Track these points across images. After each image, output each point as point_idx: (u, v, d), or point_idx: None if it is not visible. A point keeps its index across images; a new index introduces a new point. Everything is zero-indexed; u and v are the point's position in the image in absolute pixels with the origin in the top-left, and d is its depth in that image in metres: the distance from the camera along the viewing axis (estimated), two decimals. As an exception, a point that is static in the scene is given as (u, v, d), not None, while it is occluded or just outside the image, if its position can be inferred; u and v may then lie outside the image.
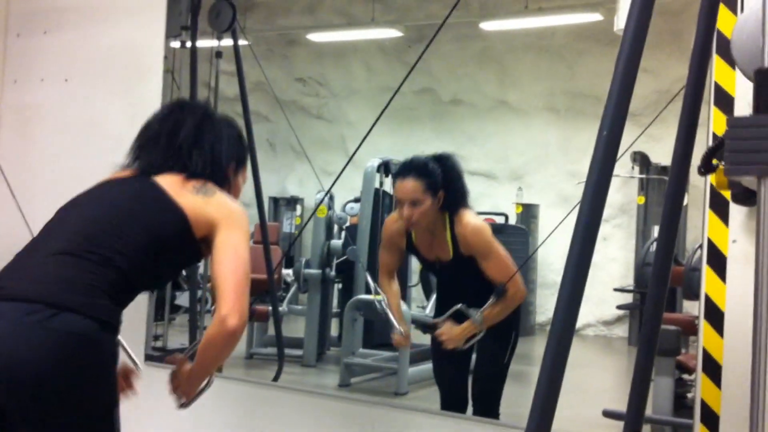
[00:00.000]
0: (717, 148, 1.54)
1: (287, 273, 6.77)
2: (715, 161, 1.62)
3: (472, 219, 3.06)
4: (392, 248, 3.25)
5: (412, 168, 3.03)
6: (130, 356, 2.16)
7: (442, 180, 3.02)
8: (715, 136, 2.25)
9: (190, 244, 1.93)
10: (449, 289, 3.20)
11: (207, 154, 2.03)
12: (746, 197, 2.17)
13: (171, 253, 1.94)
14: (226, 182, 2.07)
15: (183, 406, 2.04)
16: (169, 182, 1.96)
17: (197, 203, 1.93)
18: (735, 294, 2.27)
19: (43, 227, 1.93)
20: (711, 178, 2.29)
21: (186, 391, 2.01)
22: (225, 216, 1.93)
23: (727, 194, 2.23)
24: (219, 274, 1.87)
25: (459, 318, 3.07)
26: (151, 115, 2.12)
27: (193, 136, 2.03)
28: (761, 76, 1.24)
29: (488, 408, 3.09)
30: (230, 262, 1.88)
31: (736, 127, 1.23)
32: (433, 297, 5.52)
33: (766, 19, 1.24)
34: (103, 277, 1.79)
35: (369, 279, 3.59)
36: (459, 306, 3.04)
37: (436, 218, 3.04)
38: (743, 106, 2.21)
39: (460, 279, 3.12)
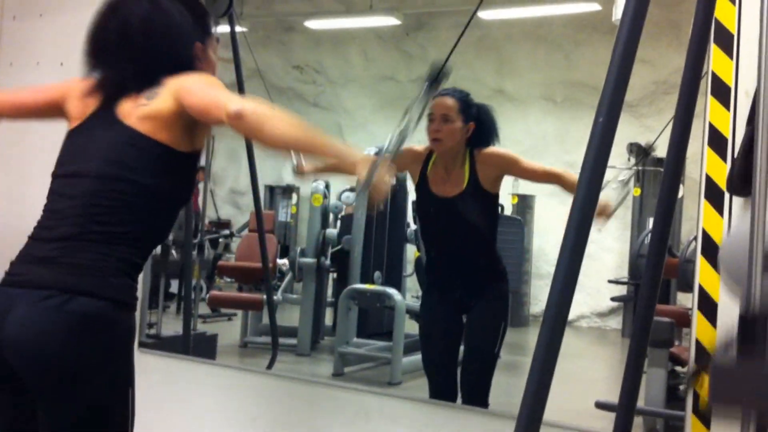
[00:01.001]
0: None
1: (283, 263, 6.78)
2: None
3: (492, 148, 3.17)
4: (400, 160, 3.08)
5: (455, 91, 3.14)
6: None
7: (477, 115, 3.13)
8: (713, 74, 2.24)
9: (180, 162, 1.88)
10: (445, 248, 3.18)
11: (165, 53, 1.91)
12: (741, 187, 2.16)
13: (170, 186, 1.89)
14: (196, 65, 1.95)
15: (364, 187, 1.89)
16: (131, 108, 1.86)
17: (156, 110, 1.83)
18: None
19: (44, 209, 1.92)
20: (706, 168, 2.28)
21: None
22: (179, 83, 1.84)
23: (722, 185, 2.23)
24: (200, 100, 1.79)
25: (460, 301, 3.08)
26: (94, 16, 1.97)
27: (144, 39, 1.90)
28: (743, 323, 1.24)
29: (477, 397, 3.09)
30: (201, 84, 1.82)
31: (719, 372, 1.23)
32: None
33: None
34: (113, 255, 1.79)
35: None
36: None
37: (458, 148, 3.10)
38: (741, 97, 2.20)
39: (461, 225, 3.12)
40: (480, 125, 3.13)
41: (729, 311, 2.26)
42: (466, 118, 3.10)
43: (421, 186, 3.20)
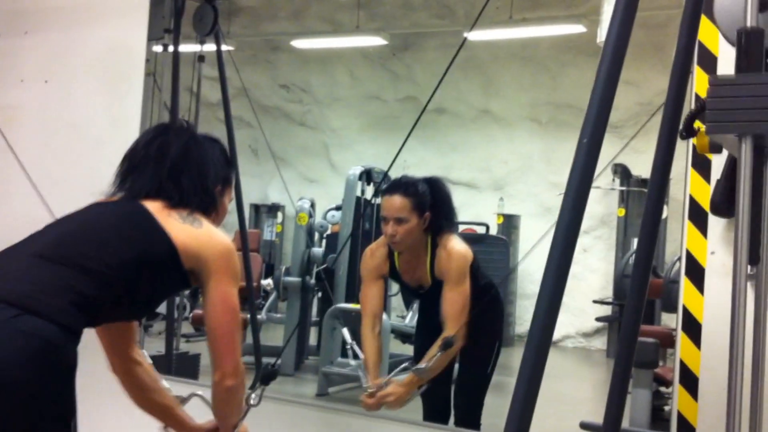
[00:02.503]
0: (699, 111, 1.53)
1: (267, 282, 6.74)
2: (697, 124, 1.61)
3: (457, 243, 3.00)
4: (376, 279, 3.12)
5: (400, 186, 3.01)
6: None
7: (430, 201, 2.99)
8: (697, 97, 2.25)
9: (177, 271, 1.93)
10: (431, 317, 3.11)
11: (195, 179, 2.04)
12: (725, 208, 2.18)
13: (156, 276, 1.92)
14: (213, 204, 2.08)
15: None
16: (155, 207, 1.95)
17: (185, 232, 1.93)
18: (712, 306, 2.27)
19: (26, 237, 1.91)
20: (690, 189, 2.30)
21: None
22: (215, 257, 1.94)
23: (706, 206, 2.24)
24: (212, 330, 1.96)
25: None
26: (136, 139, 2.12)
27: (180, 160, 2.03)
28: (743, 36, 1.25)
29: (469, 418, 3.08)
30: (221, 317, 1.95)
31: (717, 86, 1.24)
32: (414, 307, 5.50)
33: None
34: (76, 284, 1.77)
35: (346, 336, 3.40)
36: (405, 365, 3.00)
37: (419, 240, 3.00)
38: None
39: (436, 304, 3.00)
40: (435, 210, 3.00)
41: (713, 332, 2.27)
42: (421, 211, 2.97)
43: (395, 277, 3.17)
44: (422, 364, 2.85)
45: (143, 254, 1.88)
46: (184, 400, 2.26)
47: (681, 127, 1.61)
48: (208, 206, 2.05)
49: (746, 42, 1.27)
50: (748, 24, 1.27)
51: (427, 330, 3.13)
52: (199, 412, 2.23)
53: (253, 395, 2.21)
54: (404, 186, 3.00)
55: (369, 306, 3.11)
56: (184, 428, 2.22)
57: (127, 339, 2.13)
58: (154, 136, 2.09)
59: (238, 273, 2.00)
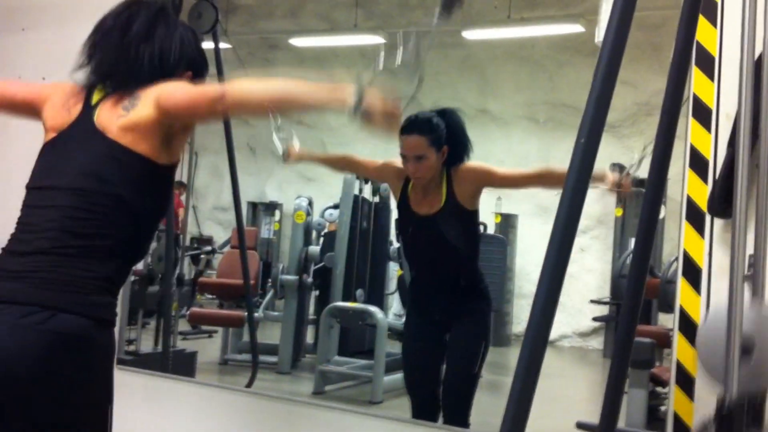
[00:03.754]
0: None
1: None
2: None
3: (468, 163, 3.13)
4: (382, 169, 3.28)
5: (417, 124, 3.07)
6: None
7: (447, 134, 3.08)
8: (695, 97, 2.25)
9: (158, 174, 1.89)
10: (427, 266, 3.18)
11: (155, 52, 1.93)
12: (722, 208, 2.18)
13: (147, 198, 1.88)
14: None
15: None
16: (110, 116, 1.87)
17: (135, 119, 1.84)
18: (710, 306, 2.27)
19: (18, 221, 1.89)
20: (687, 189, 2.30)
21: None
22: (156, 91, 1.85)
23: (703, 206, 2.24)
24: (181, 98, 1.84)
25: (442, 320, 3.07)
26: (107, 12, 2.02)
27: (144, 31, 1.94)
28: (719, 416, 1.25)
29: (458, 417, 3.08)
30: (180, 87, 1.86)
31: None
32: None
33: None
34: (92, 270, 1.77)
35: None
36: None
37: (436, 173, 3.09)
38: (723, 120, 2.22)
39: (443, 242, 3.10)
40: (452, 143, 3.10)
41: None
42: (439, 146, 3.06)
43: (402, 204, 3.20)
44: None
45: (126, 200, 1.83)
46: None
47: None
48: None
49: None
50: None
51: (421, 256, 3.20)
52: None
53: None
54: (420, 124, 3.07)
55: (356, 156, 3.42)
56: None
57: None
58: (124, 8, 1.99)
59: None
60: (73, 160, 1.87)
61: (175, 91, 1.86)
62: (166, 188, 1.94)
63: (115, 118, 1.86)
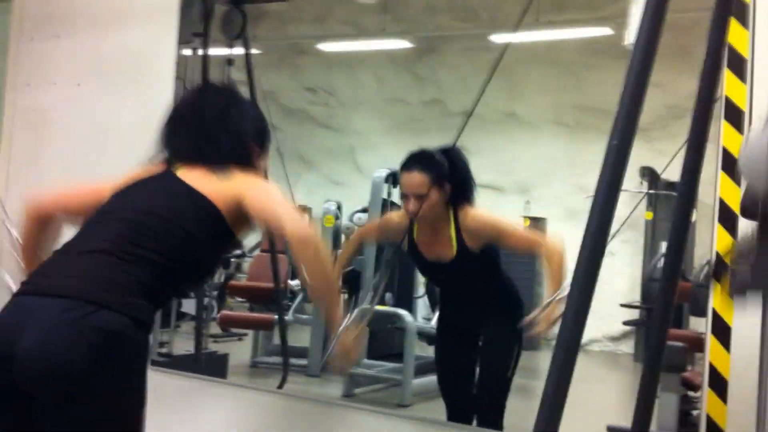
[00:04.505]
0: None
1: (295, 283, 6.77)
2: None
3: (478, 211, 3.02)
4: (384, 229, 3.23)
5: (418, 160, 2.99)
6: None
7: (449, 172, 2.97)
8: (727, 99, 2.22)
9: (225, 233, 1.99)
10: (453, 292, 3.14)
11: (233, 135, 2.07)
12: (755, 211, 2.16)
13: (208, 248, 1.99)
14: (249, 162, 2.11)
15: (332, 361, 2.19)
16: (194, 177, 2.00)
17: (222, 188, 1.97)
18: (742, 309, 2.25)
19: (78, 231, 1.96)
20: (719, 191, 2.29)
21: (332, 319, 2.09)
22: (248, 184, 2.00)
23: (736, 208, 2.23)
24: (262, 210, 1.97)
25: (475, 325, 3.05)
26: (177, 98, 2.17)
27: (219, 117, 2.08)
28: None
29: (491, 420, 3.08)
30: (268, 191, 2.00)
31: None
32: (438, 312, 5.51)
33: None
34: (140, 277, 1.83)
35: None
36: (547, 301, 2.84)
37: (441, 212, 2.99)
38: (755, 121, 2.21)
39: (463, 279, 3.06)
40: (455, 181, 3.00)
41: (743, 336, 2.26)
42: (441, 184, 2.96)
43: (412, 252, 3.14)
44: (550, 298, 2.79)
45: (192, 236, 1.93)
46: None
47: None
48: (244, 163, 2.08)
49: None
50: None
51: (450, 298, 3.16)
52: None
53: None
54: (422, 160, 2.98)
55: (364, 230, 3.54)
56: None
57: (78, 214, 2.16)
58: (194, 95, 2.18)
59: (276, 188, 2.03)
60: (155, 194, 2.00)
61: (261, 198, 1.99)
62: (223, 250, 2.11)
63: (205, 177, 1.99)
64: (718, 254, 2.31)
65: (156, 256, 1.86)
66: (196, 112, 2.10)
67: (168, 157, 2.09)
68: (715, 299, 2.30)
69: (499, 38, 7.94)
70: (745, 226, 1.46)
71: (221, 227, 1.96)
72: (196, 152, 2.04)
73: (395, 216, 3.13)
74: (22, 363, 1.69)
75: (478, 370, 3.19)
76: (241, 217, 1.98)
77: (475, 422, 3.13)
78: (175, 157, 2.07)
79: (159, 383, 2.44)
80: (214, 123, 2.07)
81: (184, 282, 2.02)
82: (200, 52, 4.06)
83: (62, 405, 1.71)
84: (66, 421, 1.73)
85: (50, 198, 2.21)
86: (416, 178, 2.94)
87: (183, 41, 3.78)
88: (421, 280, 6.38)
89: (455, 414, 3.16)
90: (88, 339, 1.71)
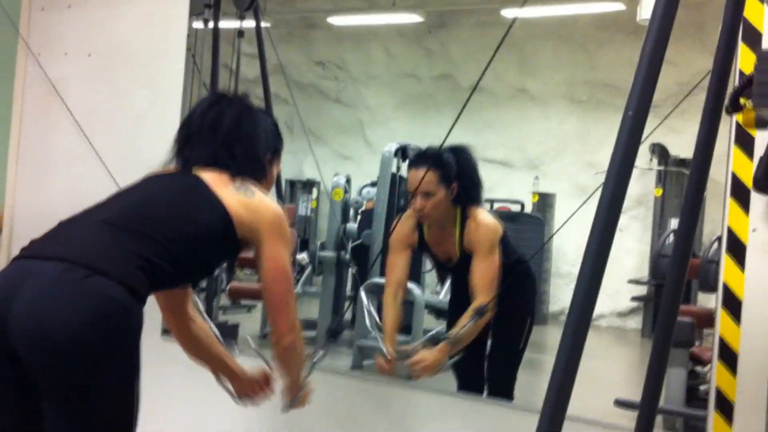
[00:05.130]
0: (746, 86, 1.51)
1: (302, 257, 6.80)
2: (742, 100, 1.59)
3: (486, 216, 3.02)
4: (404, 248, 3.12)
5: (426, 158, 2.99)
6: (264, 359, 2.43)
7: (457, 172, 2.97)
8: (741, 74, 2.24)
9: (232, 240, 2.02)
10: (461, 291, 3.13)
11: (247, 147, 2.12)
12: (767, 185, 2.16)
13: (212, 246, 2.01)
14: (263, 173, 2.17)
15: (285, 410, 2.36)
16: (211, 178, 2.03)
17: (239, 203, 2.01)
18: (754, 283, 2.26)
19: (87, 208, 1.99)
20: (732, 166, 2.29)
21: (289, 397, 2.34)
22: (268, 224, 2.03)
23: (748, 183, 2.23)
24: (266, 295, 2.09)
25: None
26: (192, 108, 2.23)
27: (233, 130, 2.12)
28: None
29: (502, 391, 3.11)
30: (274, 281, 2.06)
31: (765, 59, 1.23)
32: (448, 282, 5.52)
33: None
34: (141, 251, 1.85)
35: (364, 299, 3.51)
36: (435, 331, 3.10)
37: (447, 212, 3.00)
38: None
39: (467, 276, 3.02)
40: (463, 180, 2.99)
41: (754, 309, 2.27)
42: (447, 182, 2.95)
43: (424, 250, 3.19)
44: (453, 332, 2.87)
45: (201, 227, 1.96)
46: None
47: (726, 102, 1.59)
48: (258, 175, 2.14)
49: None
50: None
51: (458, 302, 3.15)
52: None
53: (319, 352, 2.42)
54: (429, 158, 2.98)
55: (394, 275, 3.15)
56: (236, 376, 2.38)
57: (182, 297, 2.23)
58: (209, 105, 2.17)
59: (290, 237, 2.09)
60: (169, 185, 2.05)
61: (272, 276, 2.08)
62: (226, 254, 2.14)
63: (221, 184, 2.03)
64: (729, 228, 2.31)
65: (161, 237, 1.88)
66: (210, 123, 2.13)
67: (181, 166, 2.13)
68: (727, 273, 2.31)
69: (510, 13, 7.89)
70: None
71: (230, 233, 2.00)
72: (210, 163, 2.08)
73: (400, 222, 3.11)
74: (16, 321, 1.69)
75: (489, 341, 3.21)
76: (248, 242, 2.05)
77: (485, 393, 3.15)
78: (189, 167, 2.11)
79: (171, 352, 2.47)
80: (229, 134, 2.11)
81: (182, 272, 1.99)
82: (211, 24, 4.06)
83: (55, 369, 1.71)
84: (58, 386, 1.73)
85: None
86: (423, 176, 2.95)
87: (194, 12, 3.77)
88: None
89: (465, 384, 3.18)
90: (84, 300, 1.72)
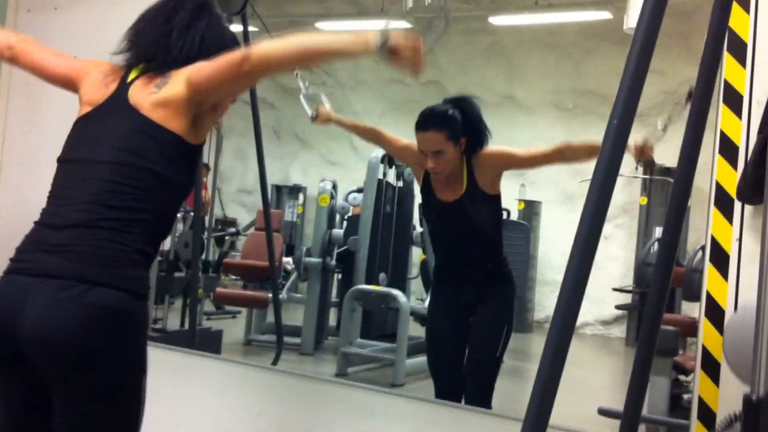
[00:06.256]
0: None
1: (287, 261, 6.80)
2: None
3: (489, 148, 3.09)
4: (404, 151, 3.26)
5: (432, 119, 3.02)
6: None
7: (463, 126, 3.03)
8: (726, 83, 2.25)
9: (190, 152, 1.94)
10: (452, 246, 3.17)
11: (193, 41, 1.98)
12: (751, 194, 2.17)
13: (180, 175, 1.93)
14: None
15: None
16: (140, 97, 1.92)
17: (166, 98, 1.89)
18: (737, 292, 2.27)
19: (50, 194, 1.93)
20: (716, 175, 2.30)
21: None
22: (184, 71, 1.91)
23: (732, 192, 2.24)
24: (209, 68, 1.88)
25: (466, 303, 3.08)
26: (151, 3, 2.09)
27: (187, 21, 2.00)
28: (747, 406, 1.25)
29: (480, 400, 3.10)
30: (207, 62, 1.89)
31: None
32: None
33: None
34: (133, 244, 1.82)
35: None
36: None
37: (458, 163, 3.06)
38: (754, 106, 2.21)
39: (466, 227, 3.10)
40: (470, 133, 3.05)
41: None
42: (456, 139, 3.01)
43: (426, 189, 3.20)
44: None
45: (159, 174, 1.88)
46: None
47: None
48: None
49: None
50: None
51: (447, 249, 3.20)
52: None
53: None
54: (436, 118, 3.02)
55: (380, 130, 3.41)
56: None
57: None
58: (168, 1, 2.05)
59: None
60: (108, 134, 1.91)
61: (203, 65, 1.91)
62: (193, 166, 1.99)
63: (147, 95, 1.91)
64: (713, 238, 2.32)
65: (142, 215, 1.84)
66: (165, 13, 2.01)
67: (127, 58, 2.02)
68: (710, 282, 2.32)
69: (498, 20, 7.92)
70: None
71: (185, 149, 1.90)
72: (150, 51, 1.97)
73: (415, 150, 3.15)
74: (27, 340, 1.71)
75: (467, 349, 3.20)
76: (195, 118, 1.91)
77: (464, 401, 3.14)
78: (133, 57, 2.00)
79: (153, 358, 2.45)
80: (179, 25, 1.99)
81: (171, 219, 1.98)
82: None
83: (68, 381, 1.74)
84: (74, 396, 1.76)
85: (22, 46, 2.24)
86: (432, 137, 3.00)
87: (181, 16, 3.75)
88: (415, 261, 6.40)
89: (444, 392, 3.17)
90: (88, 315, 1.72)
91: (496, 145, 3.15)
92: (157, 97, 1.90)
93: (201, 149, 2.00)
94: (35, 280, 1.75)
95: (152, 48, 1.98)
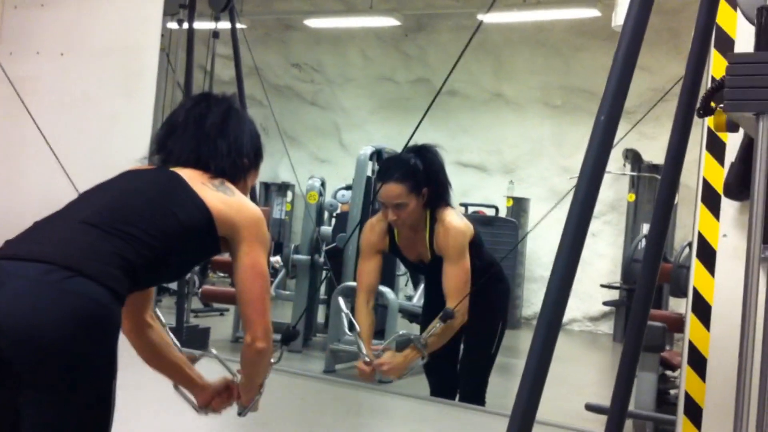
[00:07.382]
0: (717, 89, 1.53)
1: (275, 260, 6.78)
2: (713, 104, 1.60)
3: (455, 218, 2.98)
4: (374, 254, 3.12)
5: (394, 171, 2.96)
6: (228, 368, 2.32)
7: (425, 176, 2.95)
8: (713, 79, 2.25)
9: (212, 238, 1.99)
10: (435, 294, 3.09)
11: (230, 148, 2.09)
12: (738, 191, 2.18)
13: (192, 242, 1.97)
14: (242, 176, 2.13)
15: (242, 414, 2.29)
16: (190, 176, 2.00)
17: (219, 200, 1.99)
18: (723, 288, 2.28)
19: (65, 205, 1.96)
20: (703, 171, 2.30)
21: (245, 401, 2.27)
22: (247, 224, 2.01)
23: (719, 189, 2.25)
24: (242, 296, 2.04)
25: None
26: (177, 105, 2.19)
27: (219, 125, 2.10)
28: (763, 14, 1.26)
29: (474, 397, 3.10)
30: (252, 282, 2.02)
31: (736, 64, 1.25)
32: (421, 286, 5.53)
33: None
34: (122, 251, 1.82)
35: (342, 305, 3.47)
36: (401, 333, 3.08)
37: (419, 216, 2.99)
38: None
39: (437, 277, 3.00)
40: (431, 184, 2.97)
41: (723, 315, 2.29)
42: (418, 190, 2.93)
43: (396, 253, 3.16)
44: (423, 336, 2.87)
45: (182, 224, 1.92)
46: (194, 360, 2.35)
47: (698, 105, 1.60)
48: (237, 176, 2.11)
49: (766, 20, 1.28)
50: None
51: (432, 304, 3.14)
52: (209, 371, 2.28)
53: (274, 354, 2.27)
54: (398, 170, 2.95)
55: (365, 281, 3.14)
56: (195, 386, 2.30)
57: (143, 302, 2.17)
58: (195, 103, 2.15)
59: (268, 240, 2.06)
60: (149, 181, 2.01)
61: (249, 279, 2.03)
62: (205, 252, 2.08)
63: (200, 182, 2.00)
64: (700, 234, 2.33)
65: (141, 235, 1.85)
66: (195, 118, 2.10)
67: (161, 160, 2.10)
68: (697, 278, 2.33)
69: (487, 18, 7.91)
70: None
71: (211, 230, 1.97)
72: (192, 157, 2.05)
73: (370, 227, 3.10)
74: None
75: (462, 346, 3.21)
76: (227, 241, 2.02)
77: (457, 398, 3.15)
78: (169, 161, 2.08)
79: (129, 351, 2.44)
80: (214, 130, 2.09)
81: (161, 271, 1.97)
82: (186, 25, 4.04)
83: (38, 367, 1.69)
84: (41, 385, 1.71)
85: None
86: (394, 190, 2.92)
87: (169, 12, 3.74)
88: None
89: (438, 389, 3.18)
90: (66, 302, 1.70)
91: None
92: (214, 193, 1.99)
93: (215, 252, 2.08)
94: (18, 263, 1.74)
95: (192, 152, 2.06)
